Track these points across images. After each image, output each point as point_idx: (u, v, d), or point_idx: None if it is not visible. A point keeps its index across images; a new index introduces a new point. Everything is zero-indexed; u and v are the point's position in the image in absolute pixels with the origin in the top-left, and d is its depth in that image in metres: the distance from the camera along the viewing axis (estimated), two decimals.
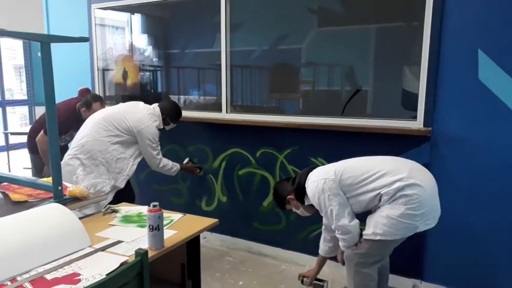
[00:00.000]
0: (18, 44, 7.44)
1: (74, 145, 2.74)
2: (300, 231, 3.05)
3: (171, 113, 2.89)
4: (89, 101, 3.17)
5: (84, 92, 3.49)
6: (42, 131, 3.14)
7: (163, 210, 1.58)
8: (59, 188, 1.85)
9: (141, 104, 2.89)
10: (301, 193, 2.22)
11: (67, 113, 3.20)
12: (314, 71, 3.05)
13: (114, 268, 1.36)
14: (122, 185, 2.76)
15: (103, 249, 1.54)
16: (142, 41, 3.83)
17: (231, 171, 3.30)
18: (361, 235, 2.07)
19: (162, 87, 3.76)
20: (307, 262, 2.93)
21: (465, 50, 2.35)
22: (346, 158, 2.21)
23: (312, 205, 2.19)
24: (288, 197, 2.30)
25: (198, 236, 1.86)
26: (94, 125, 2.73)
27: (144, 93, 3.74)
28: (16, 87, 8.32)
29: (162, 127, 2.87)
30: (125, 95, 3.81)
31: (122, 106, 2.93)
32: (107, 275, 1.31)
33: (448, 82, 2.42)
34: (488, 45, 2.30)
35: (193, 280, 1.92)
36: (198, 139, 3.41)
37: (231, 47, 3.14)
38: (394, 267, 2.42)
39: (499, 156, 2.35)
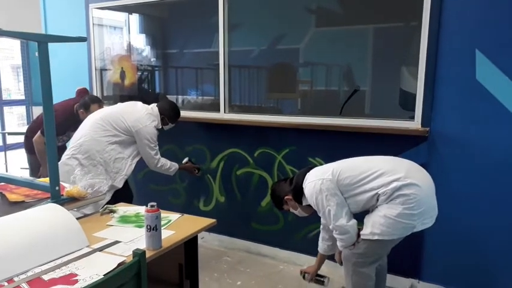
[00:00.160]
0: (15, 44, 7.43)
1: (72, 145, 2.74)
2: (298, 231, 3.06)
3: (169, 113, 2.89)
4: (87, 103, 3.16)
5: (82, 92, 3.49)
6: (39, 132, 3.13)
7: (161, 210, 1.58)
8: (57, 188, 1.84)
9: (139, 104, 2.89)
10: (298, 193, 2.22)
11: (65, 114, 3.20)
12: (312, 71, 3.05)
13: (112, 268, 1.36)
14: (120, 184, 2.75)
15: (100, 249, 1.54)
16: (140, 41, 3.82)
17: (229, 171, 3.30)
18: (358, 235, 2.07)
19: (160, 87, 3.75)
20: (305, 262, 2.93)
21: (463, 50, 2.36)
22: (344, 158, 2.22)
23: (309, 205, 2.19)
24: (286, 197, 2.30)
25: (196, 236, 1.86)
26: (92, 125, 2.73)
27: (141, 93, 3.73)
28: (14, 87, 8.30)
29: (160, 127, 2.86)
30: (123, 95, 3.80)
31: (120, 106, 2.93)
32: (104, 275, 1.31)
33: (446, 82, 2.43)
34: (485, 45, 2.31)
35: (191, 280, 1.92)
36: (196, 139, 3.41)
37: (229, 47, 3.14)
38: (392, 267, 2.42)
39: (496, 156, 2.36)
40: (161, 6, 3.55)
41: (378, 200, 2.00)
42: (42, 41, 1.77)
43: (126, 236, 1.68)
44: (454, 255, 2.55)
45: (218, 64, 3.16)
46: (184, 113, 3.11)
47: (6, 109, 7.21)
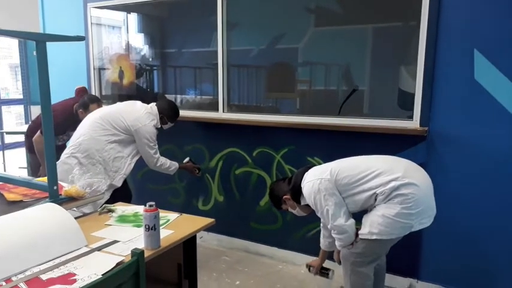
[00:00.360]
0: (13, 43, 7.41)
1: (71, 144, 2.74)
2: (297, 230, 3.06)
3: (168, 112, 2.89)
4: (86, 103, 3.16)
5: (81, 91, 3.48)
6: (39, 131, 3.13)
7: (159, 209, 1.58)
8: (55, 187, 1.84)
9: (138, 103, 2.88)
10: (297, 193, 2.22)
11: (64, 113, 3.20)
12: (311, 71, 3.05)
13: (110, 268, 1.36)
14: (118, 184, 2.75)
15: (99, 249, 1.54)
16: (138, 40, 3.82)
17: (227, 171, 3.30)
18: (357, 234, 2.07)
19: (158, 87, 3.75)
20: (303, 261, 2.92)
21: (461, 50, 2.36)
22: (343, 157, 2.22)
23: (308, 205, 2.19)
24: (284, 197, 2.30)
25: (195, 236, 1.86)
26: (91, 124, 2.73)
27: (140, 93, 3.73)
28: (12, 86, 8.28)
29: (159, 126, 2.86)
30: (121, 94, 3.80)
31: (119, 105, 2.93)
32: (102, 275, 1.31)
33: (444, 82, 2.43)
34: (484, 45, 2.31)
35: (190, 280, 1.92)
36: (195, 139, 3.41)
37: (228, 46, 3.14)
38: (391, 267, 2.42)
39: (494, 156, 2.36)
40: (159, 6, 3.54)
41: (376, 199, 2.00)
42: (40, 40, 1.76)
43: (125, 236, 1.68)
44: (453, 255, 2.55)
45: (217, 63, 3.16)
46: (183, 113, 3.11)
47: (4, 108, 7.20)
